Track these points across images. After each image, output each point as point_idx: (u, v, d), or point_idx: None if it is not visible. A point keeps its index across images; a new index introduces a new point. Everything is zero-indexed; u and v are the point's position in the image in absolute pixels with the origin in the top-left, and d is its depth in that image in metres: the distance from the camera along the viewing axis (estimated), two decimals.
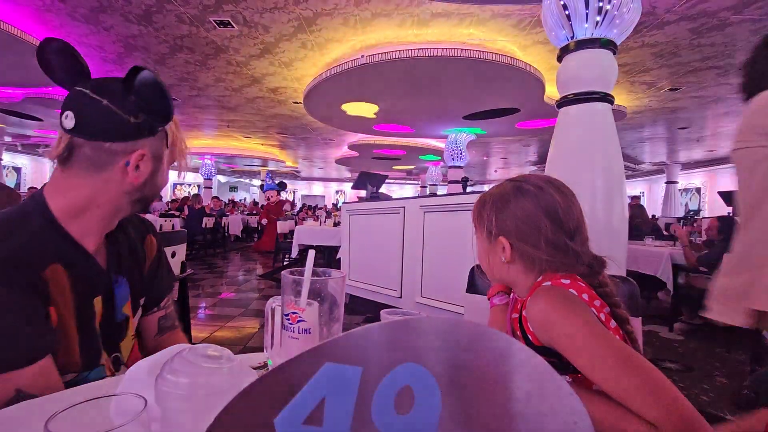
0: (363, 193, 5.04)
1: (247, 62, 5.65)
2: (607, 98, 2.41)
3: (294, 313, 0.53)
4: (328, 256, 6.34)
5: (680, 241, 3.78)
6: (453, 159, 8.04)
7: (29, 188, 9.91)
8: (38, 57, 0.72)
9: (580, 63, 2.44)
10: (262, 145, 12.49)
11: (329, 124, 8.13)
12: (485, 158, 13.18)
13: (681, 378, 2.65)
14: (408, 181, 21.32)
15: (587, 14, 2.36)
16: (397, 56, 4.56)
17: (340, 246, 5.68)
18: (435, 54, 4.46)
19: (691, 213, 11.86)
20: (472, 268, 1.15)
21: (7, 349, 0.62)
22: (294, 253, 6.02)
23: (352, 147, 11.14)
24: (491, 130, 8.15)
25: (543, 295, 0.69)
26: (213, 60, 5.61)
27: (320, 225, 6.23)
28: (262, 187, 4.77)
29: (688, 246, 3.68)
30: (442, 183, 12.94)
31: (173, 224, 7.09)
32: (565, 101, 2.49)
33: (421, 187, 17.03)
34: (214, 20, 4.45)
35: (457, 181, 8.08)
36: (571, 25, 2.43)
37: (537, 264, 0.77)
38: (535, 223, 0.76)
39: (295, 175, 20.47)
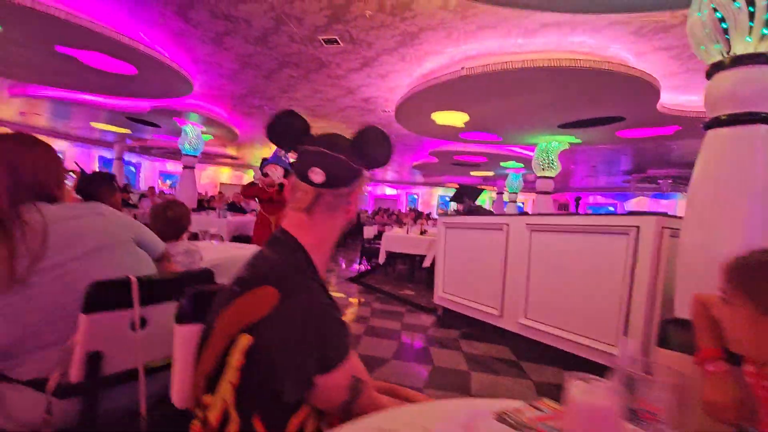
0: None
1: (346, 75, 5.92)
2: None
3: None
4: (413, 265, 6.42)
5: None
6: (543, 169, 7.68)
7: (149, 187, 11.25)
8: (271, 131, 0.87)
9: (737, 81, 2.19)
10: None
11: (416, 132, 8.21)
12: (572, 167, 12.40)
13: None
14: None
15: (751, 27, 2.12)
16: (499, 68, 4.48)
17: (425, 255, 5.73)
18: (542, 65, 4.30)
19: None
20: (665, 322, 1.10)
21: (343, 344, 0.77)
22: (381, 259, 6.17)
23: (432, 153, 11.15)
24: (586, 138, 7.65)
25: None
26: (315, 74, 5.96)
27: (407, 233, 6.32)
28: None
29: None
30: (523, 191, 12.43)
31: None
32: (716, 122, 2.26)
33: (497, 193, 16.51)
34: (323, 39, 4.73)
35: (547, 192, 7.71)
36: (727, 39, 2.20)
37: None
38: None
39: (369, 178, 20.94)
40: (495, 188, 16.54)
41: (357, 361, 0.81)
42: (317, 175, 0.81)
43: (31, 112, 10.80)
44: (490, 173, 14.36)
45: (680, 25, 3.89)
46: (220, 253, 2.68)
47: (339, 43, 4.81)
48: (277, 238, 0.87)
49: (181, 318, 0.99)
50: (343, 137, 0.88)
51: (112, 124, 11.22)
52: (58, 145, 14.57)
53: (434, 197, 22.13)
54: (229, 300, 0.76)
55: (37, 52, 5.29)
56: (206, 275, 1.43)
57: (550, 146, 7.64)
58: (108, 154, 15.83)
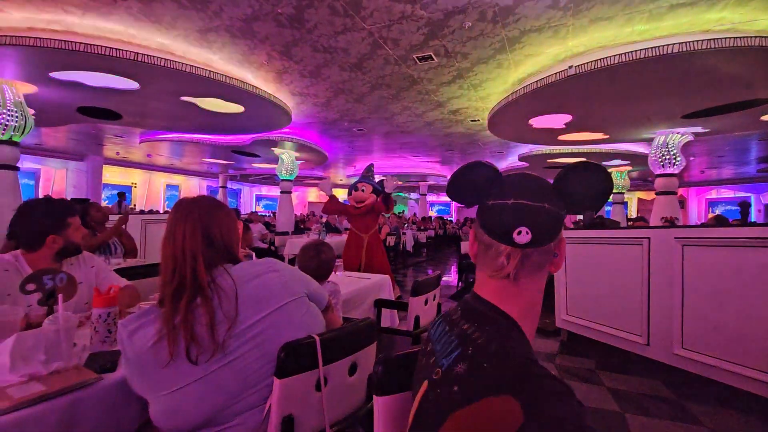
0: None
1: (437, 89, 5.81)
2: None
3: None
4: None
5: None
6: (663, 166, 6.73)
7: (251, 212, 12.20)
8: (458, 189, 0.77)
9: None
10: (427, 161, 12.89)
11: (511, 139, 7.81)
12: (691, 159, 10.82)
13: None
14: None
15: None
16: (617, 61, 4.00)
17: None
18: (672, 51, 3.75)
19: None
20: None
21: None
22: None
23: (523, 158, 10.53)
24: (715, 126, 6.57)
25: None
26: (405, 92, 5.96)
27: None
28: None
29: None
30: (630, 190, 11.15)
31: None
32: None
33: None
34: (417, 57, 4.68)
35: (669, 192, 6.73)
36: None
37: None
38: None
39: None
40: None
41: None
42: (524, 236, 0.68)
43: (155, 153, 12.50)
44: None
45: None
46: (347, 285, 2.68)
47: (434, 59, 4.72)
48: (477, 309, 0.73)
49: (381, 389, 0.92)
50: (538, 179, 0.73)
51: (218, 158, 12.50)
52: (176, 179, 16.67)
53: None
54: (454, 405, 0.64)
55: (165, 103, 6.03)
56: (370, 326, 1.38)
57: (671, 139, 6.68)
58: (214, 184, 17.72)
